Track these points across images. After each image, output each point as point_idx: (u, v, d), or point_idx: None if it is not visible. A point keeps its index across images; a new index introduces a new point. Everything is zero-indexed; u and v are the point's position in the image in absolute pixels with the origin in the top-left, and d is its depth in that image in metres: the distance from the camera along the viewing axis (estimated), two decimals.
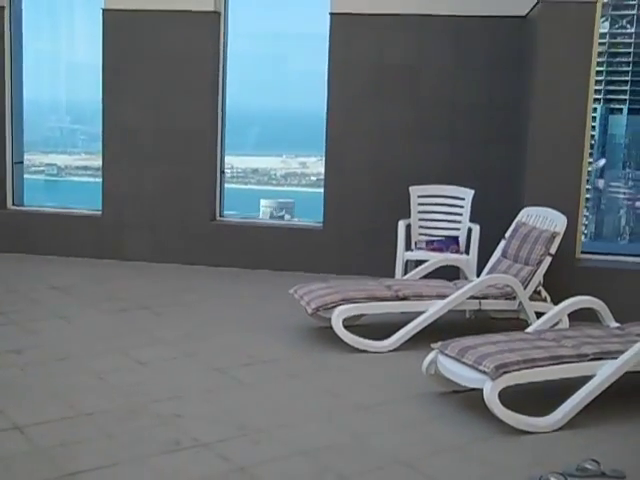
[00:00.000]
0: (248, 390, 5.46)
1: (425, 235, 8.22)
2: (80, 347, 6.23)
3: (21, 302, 7.50)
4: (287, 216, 10.31)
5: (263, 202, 10.15)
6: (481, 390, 4.79)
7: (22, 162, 10.13)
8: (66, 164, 12.28)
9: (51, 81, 11.38)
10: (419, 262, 7.54)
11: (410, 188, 8.35)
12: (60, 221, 9.63)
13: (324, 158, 9.06)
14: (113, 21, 9.20)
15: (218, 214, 9.51)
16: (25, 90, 10.01)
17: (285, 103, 9.93)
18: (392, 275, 7.76)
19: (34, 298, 7.63)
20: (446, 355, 5.13)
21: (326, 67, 8.82)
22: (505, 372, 4.75)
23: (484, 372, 4.78)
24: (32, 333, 6.53)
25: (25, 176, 10.16)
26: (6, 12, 9.51)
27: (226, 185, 9.66)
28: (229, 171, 9.85)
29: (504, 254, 7.16)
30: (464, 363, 4.97)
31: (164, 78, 9.18)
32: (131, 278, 8.69)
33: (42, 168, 12.27)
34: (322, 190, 9.11)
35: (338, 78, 8.86)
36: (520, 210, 7.38)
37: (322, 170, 9.14)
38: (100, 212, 9.55)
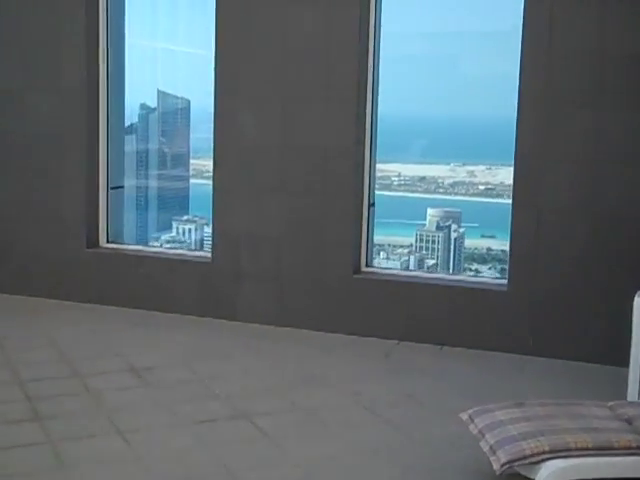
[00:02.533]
0: None
1: None
2: None
3: (69, 399, 5.30)
4: (454, 225, 9.15)
5: (430, 211, 8.99)
6: None
7: (122, 186, 8.02)
8: None
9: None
10: None
11: None
12: (158, 265, 7.42)
13: (512, 191, 6.40)
14: (228, 9, 6.93)
15: (364, 264, 7.02)
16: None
17: (452, 109, 8.52)
18: (620, 384, 4.99)
19: (94, 389, 5.42)
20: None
21: (511, 66, 6.21)
22: None
23: None
24: None
25: None
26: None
27: (392, 193, 7.94)
28: (396, 179, 8.65)
29: None
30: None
31: (293, 80, 6.80)
32: (241, 354, 6.35)
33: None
34: (487, 200, 8.09)
35: (534, 77, 6.18)
36: None
37: (491, 180, 8.05)
38: (210, 257, 7.27)
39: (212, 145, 7.09)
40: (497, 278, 7.03)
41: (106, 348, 6.32)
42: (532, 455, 3.69)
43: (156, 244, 8.30)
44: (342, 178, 6.78)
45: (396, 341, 6.65)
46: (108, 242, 7.78)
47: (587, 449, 3.69)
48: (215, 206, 7.17)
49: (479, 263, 8.53)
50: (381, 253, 8.21)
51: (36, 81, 7.56)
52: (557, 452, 3.68)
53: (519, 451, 3.72)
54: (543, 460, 3.67)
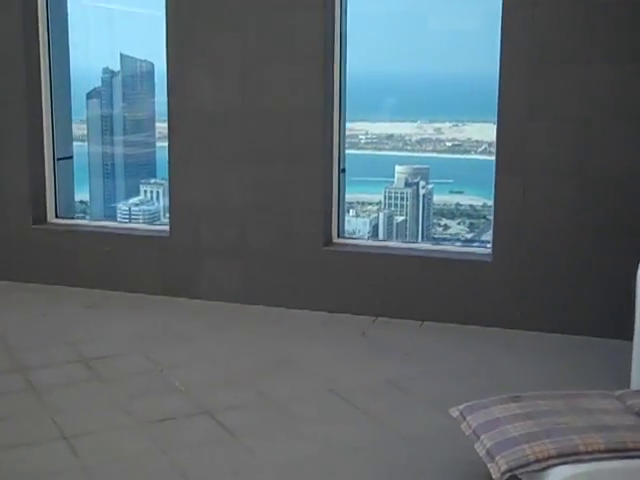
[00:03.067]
0: None
1: None
2: None
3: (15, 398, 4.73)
4: (422, 182, 9.15)
5: (398, 168, 9.03)
6: None
7: (71, 157, 7.38)
8: None
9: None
10: None
11: None
12: (112, 241, 6.82)
13: (495, 149, 5.88)
14: None
15: (336, 234, 6.48)
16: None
17: (420, 66, 8.44)
18: (623, 360, 4.51)
19: (38, 384, 4.85)
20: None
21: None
22: None
23: None
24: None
25: None
26: None
27: (360, 151, 7.61)
28: (363, 137, 8.37)
29: None
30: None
31: (253, 37, 6.20)
32: (204, 337, 5.80)
33: None
34: (455, 156, 7.87)
35: (517, 31, 5.63)
36: None
37: (458, 136, 7.80)
38: (167, 231, 6.69)
39: (166, 111, 6.48)
40: (480, 246, 6.52)
41: (54, 335, 5.74)
42: (537, 461, 3.19)
43: (116, 216, 7.69)
44: (309, 143, 6.21)
45: (373, 318, 6.15)
46: (57, 217, 7.17)
47: (599, 452, 3.21)
48: (171, 176, 6.57)
49: (448, 218, 8.50)
50: (350, 211, 7.88)
51: None
52: (565, 457, 3.18)
53: (522, 457, 3.22)
54: (549, 466, 3.18)
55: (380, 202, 8.38)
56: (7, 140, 6.90)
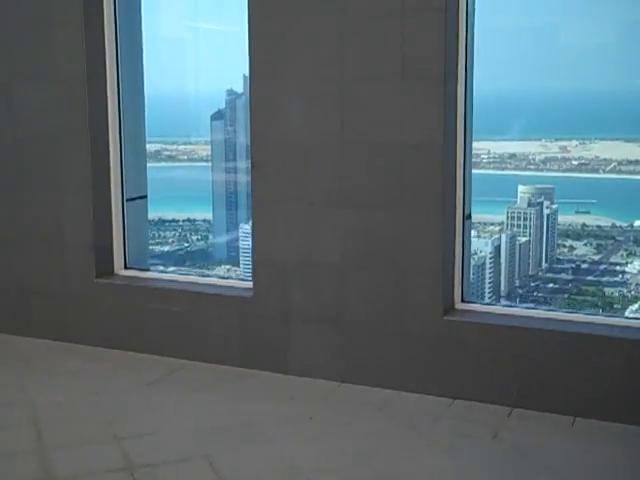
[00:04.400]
0: None
1: None
2: None
3: None
4: (546, 202, 8.86)
5: (521, 188, 8.66)
6: None
7: (144, 196, 6.29)
8: None
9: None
10: None
11: None
12: (187, 300, 5.65)
13: None
14: None
15: (459, 298, 5.12)
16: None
17: (545, 83, 8.06)
18: None
19: None
20: None
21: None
22: None
23: None
24: None
25: None
26: None
27: (482, 171, 6.81)
28: (485, 156, 7.91)
29: None
30: None
31: (356, 53, 4.93)
32: (291, 430, 4.53)
33: None
34: (582, 175, 7.22)
35: None
36: None
37: (584, 155, 7.16)
38: (250, 291, 5.47)
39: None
40: None
41: (102, 426, 4.58)
42: None
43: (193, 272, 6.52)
44: (426, 183, 4.89)
45: (508, 410, 4.75)
46: (126, 269, 6.07)
47: None
48: (255, 224, 5.36)
49: (573, 239, 8.27)
50: (471, 232, 7.10)
51: (24, 70, 5.89)
52: None
53: None
54: None
55: (502, 222, 8.06)
56: (67, 177, 5.86)
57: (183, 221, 9.00)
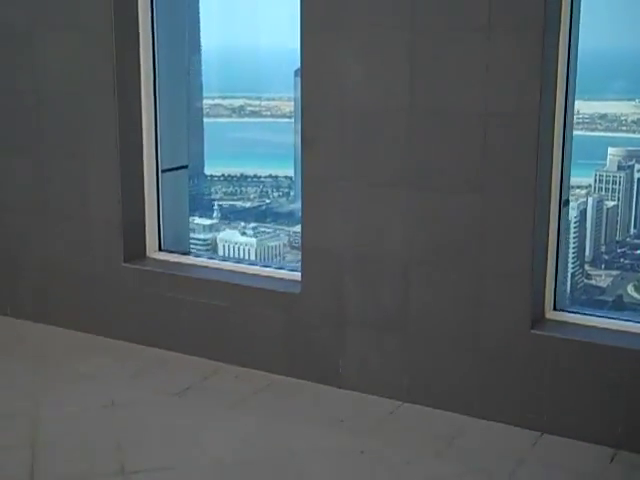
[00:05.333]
0: None
1: None
2: None
3: None
4: (637, 165, 8.62)
5: (611, 150, 8.48)
6: None
7: (185, 166, 5.43)
8: None
9: None
10: None
11: None
12: (228, 293, 4.80)
13: None
14: None
15: (550, 306, 4.13)
16: None
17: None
18: None
19: None
20: None
21: None
22: None
23: None
24: None
25: None
26: None
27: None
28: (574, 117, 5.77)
29: None
30: None
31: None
32: (339, 464, 3.66)
33: None
34: None
35: None
36: None
37: None
38: (299, 286, 4.58)
39: (299, 110, 4.35)
40: None
41: (110, 452, 3.79)
42: None
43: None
44: (515, 162, 3.89)
45: (611, 452, 3.78)
46: (161, 251, 5.26)
47: None
48: (305, 208, 4.44)
49: None
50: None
51: (45, 19, 5.06)
52: None
53: None
54: None
55: (590, 186, 7.88)
56: (91, 143, 5.04)
57: (264, 177, 8.84)
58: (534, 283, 3.98)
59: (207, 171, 9.92)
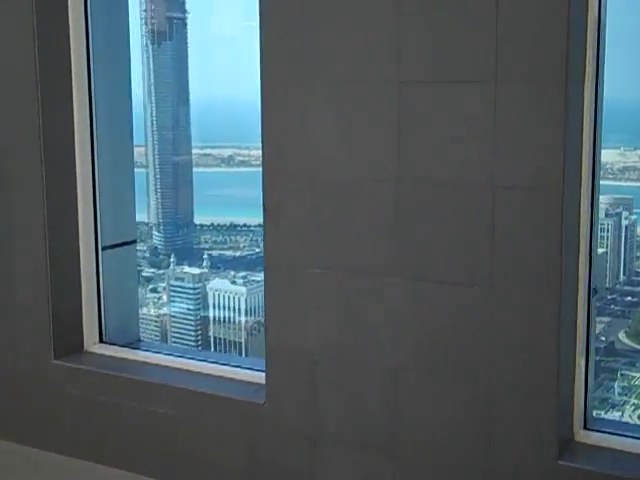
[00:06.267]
0: None
1: None
2: None
3: None
4: (625, 213, 8.99)
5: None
6: None
7: (132, 241, 4.57)
8: None
9: None
10: None
11: None
12: (177, 398, 3.91)
13: None
14: None
15: (580, 425, 3.25)
16: None
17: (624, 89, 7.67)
18: None
19: None
20: None
21: None
22: None
23: None
24: None
25: None
26: None
27: None
28: None
29: None
30: None
31: (419, 43, 3.11)
32: None
33: None
34: None
35: None
36: None
37: None
38: (263, 392, 3.69)
39: (260, 176, 3.51)
40: None
41: None
42: None
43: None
44: (531, 247, 3.05)
45: None
46: (102, 342, 4.37)
47: None
48: (268, 297, 3.58)
49: None
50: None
51: None
52: None
53: None
54: None
55: None
56: (17, 213, 4.20)
57: (254, 226, 8.87)
58: (560, 398, 3.12)
59: (196, 220, 9.77)
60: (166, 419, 3.89)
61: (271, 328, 3.58)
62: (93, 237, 4.28)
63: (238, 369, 4.00)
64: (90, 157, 4.26)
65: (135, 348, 4.36)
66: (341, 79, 3.27)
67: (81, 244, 4.25)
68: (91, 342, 4.32)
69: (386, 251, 3.27)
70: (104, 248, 4.33)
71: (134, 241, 4.57)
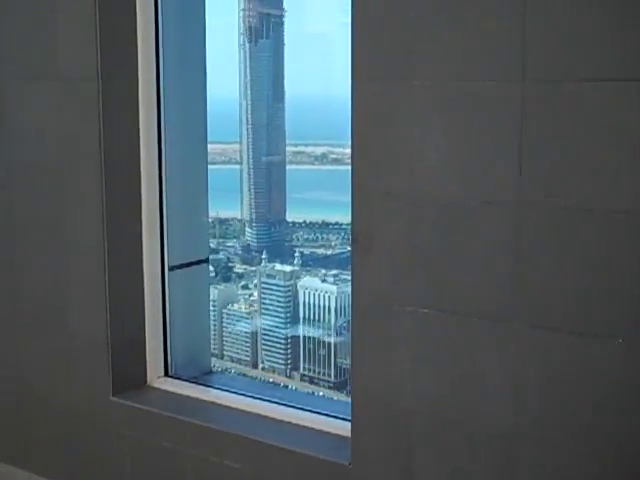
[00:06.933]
0: None
1: None
2: None
3: None
4: None
5: None
6: None
7: (204, 260, 4.05)
8: None
9: None
10: None
11: None
12: (249, 453, 3.36)
13: None
14: None
15: None
16: None
17: None
18: None
19: None
20: None
21: None
22: None
23: None
24: None
25: None
26: None
27: None
28: None
29: None
30: None
31: (544, 44, 2.48)
32: None
33: None
34: None
35: None
36: None
37: None
38: (347, 451, 3.10)
39: (350, 195, 2.93)
40: None
41: None
42: None
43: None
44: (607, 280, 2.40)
45: None
46: (167, 376, 3.87)
47: None
48: (356, 342, 2.99)
49: None
50: None
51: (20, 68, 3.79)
52: None
53: None
54: None
55: None
56: (73, 233, 3.72)
57: (346, 224, 8.56)
58: None
59: (289, 218, 9.85)
60: (230, 472, 3.35)
61: (358, 376, 2.99)
62: (159, 256, 3.78)
63: (322, 417, 3.43)
64: (157, 164, 3.76)
65: (204, 384, 3.83)
66: (452, 79, 2.66)
67: (145, 264, 3.75)
68: (155, 376, 3.82)
69: (504, 290, 2.64)
70: (171, 268, 3.82)
71: (206, 260, 4.04)
